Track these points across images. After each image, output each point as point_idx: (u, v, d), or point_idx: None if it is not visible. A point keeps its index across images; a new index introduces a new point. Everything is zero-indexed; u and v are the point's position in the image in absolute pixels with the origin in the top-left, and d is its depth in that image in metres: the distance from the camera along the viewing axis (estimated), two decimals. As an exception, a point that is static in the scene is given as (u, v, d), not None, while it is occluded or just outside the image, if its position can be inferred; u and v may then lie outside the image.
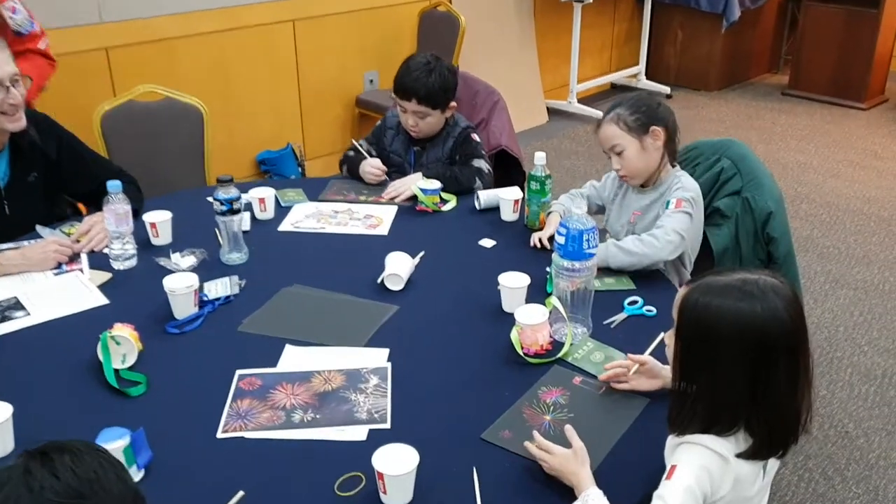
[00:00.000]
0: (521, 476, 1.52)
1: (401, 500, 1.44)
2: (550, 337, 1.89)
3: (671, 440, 1.45)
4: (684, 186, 2.26)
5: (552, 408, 1.69)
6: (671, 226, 2.17)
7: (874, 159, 5.40)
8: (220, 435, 1.63)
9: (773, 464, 1.47)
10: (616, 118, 2.27)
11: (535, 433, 1.54)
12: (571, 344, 1.88)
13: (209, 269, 2.27)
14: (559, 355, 1.85)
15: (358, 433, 1.62)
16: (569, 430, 1.52)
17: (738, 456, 1.37)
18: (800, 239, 4.20)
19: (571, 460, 1.46)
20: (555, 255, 1.89)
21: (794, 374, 1.35)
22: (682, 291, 1.41)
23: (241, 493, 1.33)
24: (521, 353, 1.84)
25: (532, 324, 1.84)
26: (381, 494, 1.44)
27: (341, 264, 2.33)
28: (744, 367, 1.33)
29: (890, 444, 2.82)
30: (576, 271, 1.86)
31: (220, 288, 2.15)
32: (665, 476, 1.37)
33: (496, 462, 1.55)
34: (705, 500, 1.36)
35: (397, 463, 1.42)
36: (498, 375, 1.81)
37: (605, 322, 2.00)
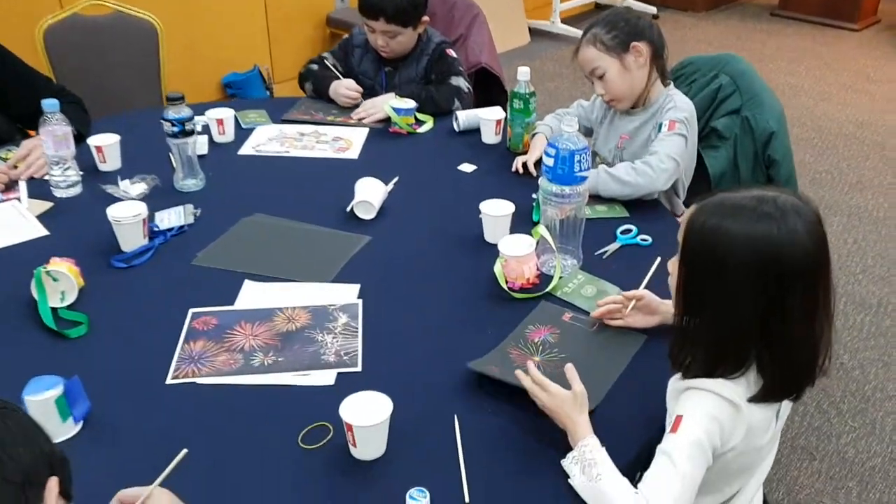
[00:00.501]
0: (506, 424, 1.36)
1: (372, 453, 1.28)
2: (537, 270, 1.72)
3: (674, 384, 1.30)
4: (677, 106, 2.07)
5: (541, 348, 1.52)
6: (665, 151, 1.98)
7: (867, 82, 5.21)
8: (169, 381, 1.45)
9: (786, 408, 1.32)
10: (592, 39, 2.06)
11: (530, 364, 1.38)
12: (560, 277, 1.71)
13: (161, 196, 2.07)
14: (547, 290, 1.68)
15: (325, 378, 1.45)
16: (570, 370, 1.35)
17: (750, 400, 1.22)
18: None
19: (569, 403, 1.30)
20: (542, 180, 1.70)
21: (811, 306, 1.18)
22: (689, 212, 1.24)
23: (184, 452, 1.17)
24: (505, 287, 1.67)
25: (517, 255, 1.67)
26: (351, 447, 1.28)
27: (307, 191, 2.13)
28: (755, 297, 1.16)
29: (886, 375, 2.72)
30: (566, 197, 1.68)
31: (172, 217, 1.95)
32: (670, 428, 1.21)
33: (479, 409, 1.39)
34: (714, 453, 1.22)
35: (368, 413, 1.26)
36: (480, 313, 1.64)
37: (596, 253, 1.83)
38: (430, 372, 1.48)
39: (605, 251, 1.84)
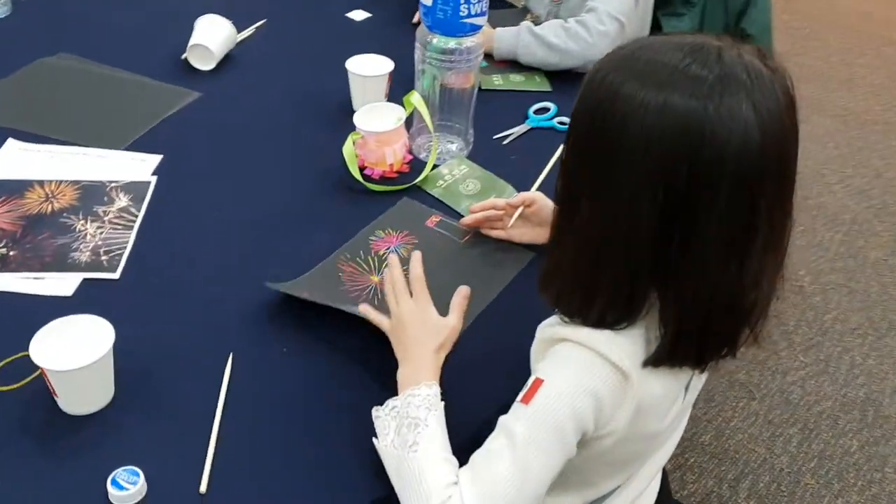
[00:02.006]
0: (308, 372, 0.95)
1: (85, 407, 0.87)
2: (409, 154, 1.28)
3: (543, 330, 0.88)
4: None
5: (385, 263, 1.10)
6: (606, 8, 1.51)
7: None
8: None
9: (700, 378, 0.92)
10: None
11: (394, 258, 1.00)
12: (435, 166, 1.27)
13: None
14: (415, 182, 1.24)
15: (63, 285, 1.02)
16: (462, 295, 0.96)
17: (644, 364, 0.81)
18: (775, 54, 3.55)
19: (430, 326, 0.92)
20: (420, 29, 1.23)
21: (741, 231, 0.73)
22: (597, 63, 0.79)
23: None
24: (357, 175, 1.23)
25: (377, 131, 1.22)
26: (55, 397, 0.86)
27: (142, 29, 1.63)
28: (653, 195, 0.72)
29: (850, 304, 2.34)
30: (450, 54, 1.21)
31: (-55, 51, 1.47)
32: (521, 395, 0.81)
33: (269, 347, 0.97)
34: (584, 438, 0.82)
35: (75, 349, 0.84)
36: (318, 209, 1.20)
37: (496, 136, 1.39)
38: (218, 288, 1.05)
39: (509, 134, 1.39)
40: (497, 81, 1.51)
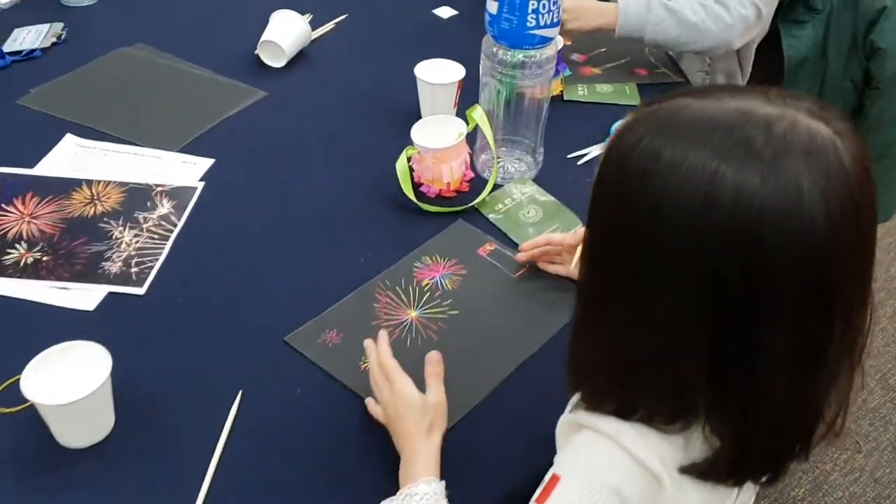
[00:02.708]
0: (322, 417, 0.88)
1: (78, 440, 0.82)
2: (470, 172, 1.18)
3: (570, 414, 0.77)
4: None
5: (426, 296, 1.01)
6: None
7: None
8: None
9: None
10: None
11: (383, 333, 0.90)
12: (495, 186, 1.16)
13: (39, 8, 1.59)
14: (472, 203, 1.14)
15: (86, 298, 0.98)
16: (433, 363, 0.87)
17: (684, 470, 0.68)
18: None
19: (416, 413, 0.82)
20: (486, 39, 1.12)
21: (817, 339, 0.60)
22: (626, 118, 0.66)
23: None
24: (409, 194, 1.14)
25: (434, 148, 1.12)
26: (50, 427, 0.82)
27: (224, 21, 1.59)
28: (701, 298, 0.59)
29: None
30: (519, 69, 1.10)
31: (29, 38, 1.47)
32: (538, 492, 0.69)
33: (284, 386, 0.90)
34: (611, 543, 0.70)
35: (64, 383, 0.79)
36: (364, 227, 1.12)
37: (570, 155, 1.26)
38: (241, 315, 0.98)
39: (585, 154, 1.26)
40: (581, 92, 1.38)
